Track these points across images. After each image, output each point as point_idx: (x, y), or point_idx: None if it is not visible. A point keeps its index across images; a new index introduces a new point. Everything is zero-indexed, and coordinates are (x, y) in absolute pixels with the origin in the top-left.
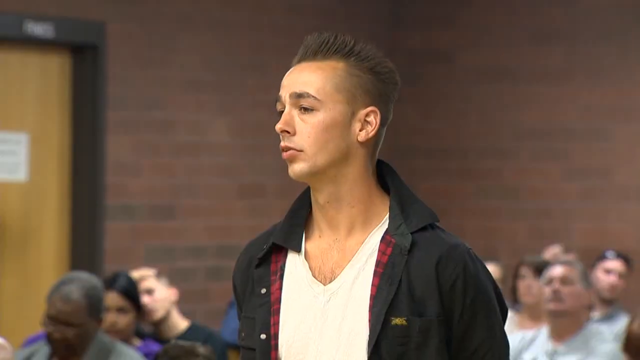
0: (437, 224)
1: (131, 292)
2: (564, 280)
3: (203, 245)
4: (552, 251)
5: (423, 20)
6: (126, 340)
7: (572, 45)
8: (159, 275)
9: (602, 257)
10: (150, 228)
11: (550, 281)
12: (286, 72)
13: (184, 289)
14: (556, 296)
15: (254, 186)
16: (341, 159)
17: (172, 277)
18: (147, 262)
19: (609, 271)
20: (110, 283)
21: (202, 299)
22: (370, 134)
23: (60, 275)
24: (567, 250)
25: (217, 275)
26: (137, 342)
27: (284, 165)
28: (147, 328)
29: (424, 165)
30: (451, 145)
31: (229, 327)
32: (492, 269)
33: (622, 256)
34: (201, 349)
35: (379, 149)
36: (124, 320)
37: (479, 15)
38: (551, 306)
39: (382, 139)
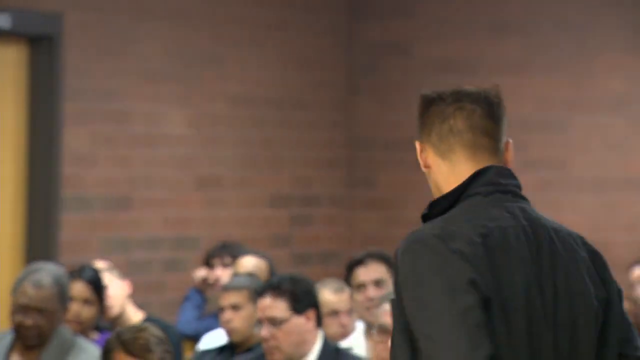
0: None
1: (98, 285)
2: None
3: (159, 237)
4: None
5: (382, 12)
6: (85, 333)
7: (529, 37)
8: (111, 268)
9: None
10: (106, 220)
11: None
12: (244, 63)
13: (140, 280)
14: None
15: (211, 178)
16: None
17: (128, 269)
18: (102, 254)
19: None
20: (78, 273)
21: (158, 291)
22: None
23: (15, 267)
24: None
25: (174, 267)
26: (95, 335)
27: (240, 157)
28: (103, 321)
29: (383, 157)
30: (409, 137)
31: (185, 319)
32: None
33: None
34: (152, 328)
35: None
36: (88, 312)
37: (437, 7)
38: None
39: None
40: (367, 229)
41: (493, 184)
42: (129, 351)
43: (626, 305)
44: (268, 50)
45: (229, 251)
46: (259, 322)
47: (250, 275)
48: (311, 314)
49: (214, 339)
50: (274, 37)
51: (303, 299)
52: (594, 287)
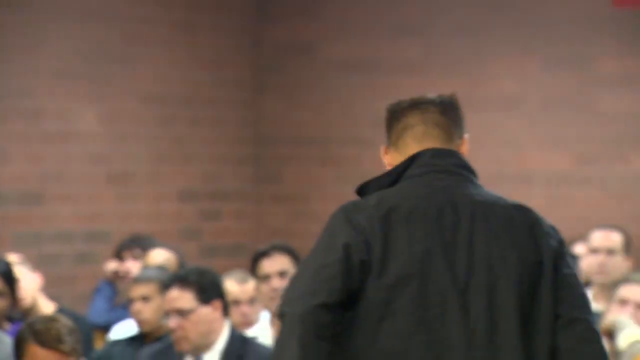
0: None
1: (10, 277)
2: None
3: (71, 231)
4: None
5: (287, 13)
6: None
7: (429, 38)
8: (23, 261)
9: None
10: (19, 215)
11: None
12: (155, 62)
13: (52, 273)
14: None
15: (122, 173)
16: None
17: (40, 262)
18: (15, 248)
19: None
20: None
21: (70, 283)
22: None
23: None
24: None
25: (85, 260)
26: (7, 326)
27: (150, 153)
28: (15, 312)
29: (288, 153)
30: (313, 134)
31: (96, 310)
32: None
33: None
34: (63, 319)
35: None
36: (0, 303)
37: (340, 9)
38: None
39: None
40: (273, 223)
41: (427, 165)
42: (40, 341)
43: None
44: (178, 49)
45: (139, 244)
46: (167, 313)
47: (160, 267)
48: (217, 304)
49: (124, 329)
50: (183, 37)
51: (209, 290)
52: (524, 252)
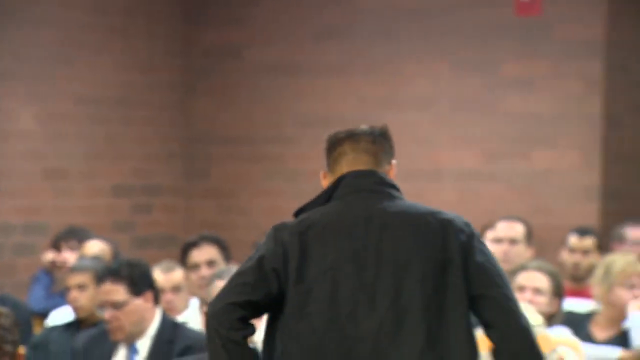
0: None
1: None
2: None
3: (11, 223)
4: None
5: (215, 19)
6: None
7: (350, 42)
8: None
9: None
10: None
11: None
12: (90, 65)
13: None
14: None
15: (58, 170)
16: None
17: None
18: None
19: None
20: None
21: (10, 273)
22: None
23: None
24: None
25: (24, 251)
26: None
27: (85, 151)
28: None
29: (218, 151)
30: (241, 133)
31: (34, 297)
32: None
33: None
34: (2, 312)
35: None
36: None
37: (265, 15)
38: None
39: None
40: (202, 216)
41: (350, 185)
42: None
43: None
44: (112, 53)
45: (75, 236)
46: (101, 305)
47: (95, 258)
48: (149, 295)
49: (61, 315)
50: (118, 42)
51: (140, 282)
52: (431, 252)
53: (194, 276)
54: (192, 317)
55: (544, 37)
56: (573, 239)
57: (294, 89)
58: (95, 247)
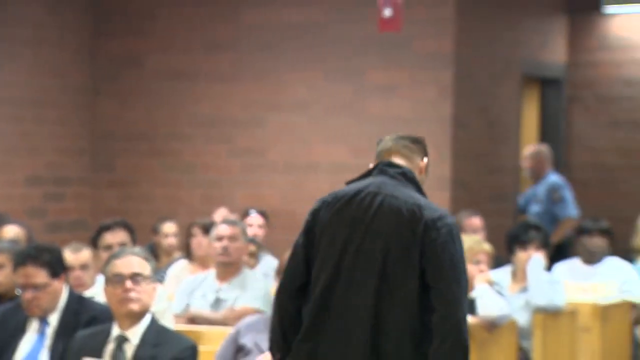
0: None
1: None
2: (232, 238)
3: None
4: (220, 213)
5: (119, 31)
6: None
7: (237, 53)
8: None
9: (246, 214)
10: None
11: (221, 238)
12: (8, 72)
13: None
14: (225, 251)
15: None
16: None
17: None
18: None
19: (251, 225)
20: None
21: None
22: None
23: None
24: (231, 211)
25: None
26: None
27: (2, 147)
28: None
29: (122, 147)
30: (143, 131)
31: None
32: (172, 225)
33: (261, 212)
34: None
35: None
36: None
37: (163, 28)
38: (221, 259)
39: None
40: (108, 204)
41: (381, 170)
42: None
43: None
44: (28, 60)
45: None
46: (22, 286)
47: (12, 241)
48: (64, 276)
49: None
50: (32, 50)
51: (57, 265)
52: (404, 233)
53: (105, 255)
54: (99, 292)
55: (403, 50)
56: None
57: (189, 93)
58: (11, 231)
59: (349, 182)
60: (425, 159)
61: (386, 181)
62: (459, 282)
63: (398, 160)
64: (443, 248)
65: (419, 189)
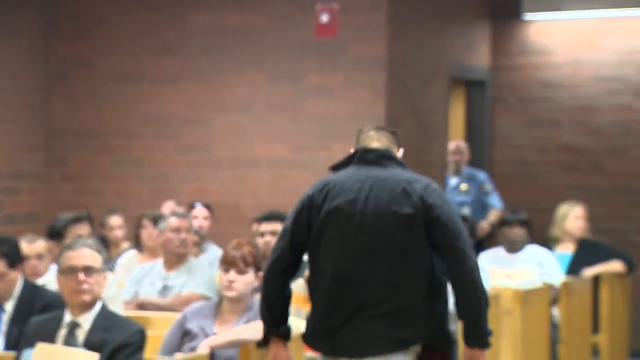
0: None
1: None
2: (187, 230)
3: None
4: (168, 205)
5: (69, 34)
6: None
7: (183, 55)
8: None
9: (191, 207)
10: None
11: (177, 230)
12: None
13: None
14: (183, 243)
15: None
16: None
17: None
18: None
19: (196, 217)
20: None
21: None
22: None
23: None
24: (178, 204)
25: None
26: None
27: None
28: None
29: (73, 143)
30: (93, 128)
31: None
32: (118, 219)
33: (206, 205)
34: None
35: None
36: None
37: (112, 31)
38: (179, 250)
39: None
40: (61, 197)
41: (360, 157)
42: None
43: (247, 249)
44: None
45: None
46: None
47: None
48: (20, 266)
49: None
50: None
51: (14, 256)
52: (400, 207)
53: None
54: (51, 280)
55: (339, 53)
56: None
57: (137, 93)
58: None
59: (332, 167)
60: (402, 150)
61: (371, 167)
62: (462, 235)
63: (375, 145)
64: (441, 210)
65: (399, 164)
